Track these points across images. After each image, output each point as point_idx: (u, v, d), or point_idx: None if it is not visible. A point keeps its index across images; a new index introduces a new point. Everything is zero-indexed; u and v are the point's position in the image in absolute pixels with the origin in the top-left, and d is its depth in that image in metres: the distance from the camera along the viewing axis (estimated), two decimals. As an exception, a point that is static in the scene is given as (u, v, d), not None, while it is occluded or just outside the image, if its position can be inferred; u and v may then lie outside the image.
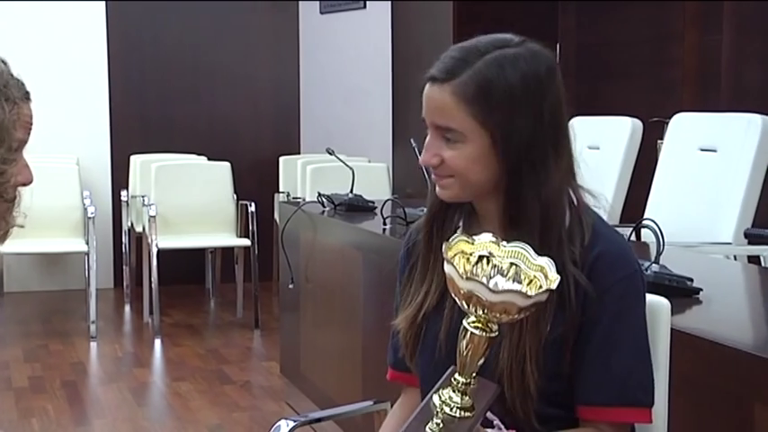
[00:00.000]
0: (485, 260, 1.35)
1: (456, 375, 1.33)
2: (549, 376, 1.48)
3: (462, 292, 1.28)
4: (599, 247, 1.49)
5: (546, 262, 1.34)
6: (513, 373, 1.46)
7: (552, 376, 1.49)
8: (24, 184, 1.51)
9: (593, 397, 1.51)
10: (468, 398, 1.33)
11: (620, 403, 1.50)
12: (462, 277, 1.27)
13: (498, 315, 1.28)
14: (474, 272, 1.33)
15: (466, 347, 1.31)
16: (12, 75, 1.48)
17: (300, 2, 7.46)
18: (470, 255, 1.34)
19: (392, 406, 1.77)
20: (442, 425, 1.31)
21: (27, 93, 1.50)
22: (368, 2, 6.92)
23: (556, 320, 1.47)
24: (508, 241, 1.38)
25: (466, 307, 1.30)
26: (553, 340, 1.48)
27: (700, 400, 1.82)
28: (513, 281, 1.33)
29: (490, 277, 1.33)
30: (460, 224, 1.59)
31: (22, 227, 1.53)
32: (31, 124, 1.50)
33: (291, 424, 1.82)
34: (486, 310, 1.28)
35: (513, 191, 1.49)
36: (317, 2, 7.33)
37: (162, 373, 5.07)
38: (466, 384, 1.33)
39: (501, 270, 1.34)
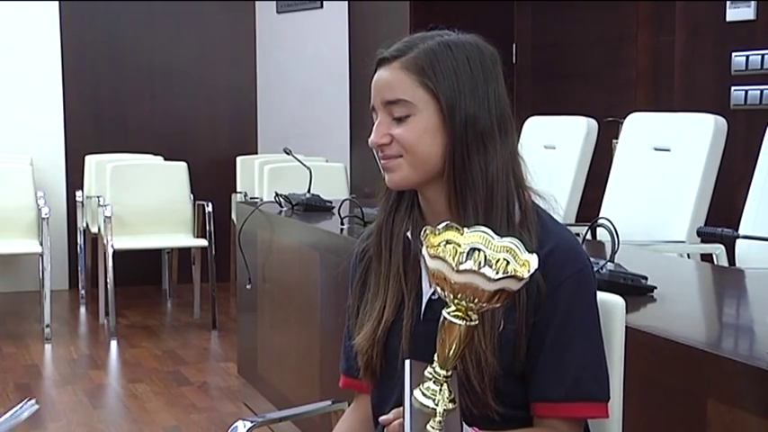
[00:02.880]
0: (475, 251, 1.33)
1: (437, 369, 1.32)
2: (502, 374, 1.48)
3: (455, 285, 1.26)
4: (550, 244, 1.50)
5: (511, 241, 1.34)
6: (470, 370, 1.45)
7: (506, 374, 1.49)
8: None
9: (548, 393, 1.50)
10: (450, 390, 1.33)
11: (574, 398, 1.50)
12: (455, 270, 1.25)
13: (485, 303, 1.27)
14: (466, 264, 1.29)
15: (449, 339, 1.30)
16: None
17: (257, 1, 7.43)
18: (459, 244, 1.33)
19: (349, 405, 1.77)
20: (442, 422, 1.30)
21: None
22: (325, 1, 6.90)
23: (508, 317, 1.47)
24: (459, 223, 1.38)
25: (452, 298, 1.28)
26: (506, 338, 1.48)
27: (654, 396, 1.83)
28: (502, 269, 1.30)
29: (481, 266, 1.30)
30: (409, 232, 1.58)
31: None
32: None
33: (249, 425, 1.80)
34: (476, 300, 1.26)
35: (459, 166, 1.50)
36: (274, 1, 7.30)
37: (118, 374, 5.02)
38: (448, 377, 1.32)
39: (489, 261, 1.32)
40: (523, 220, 1.52)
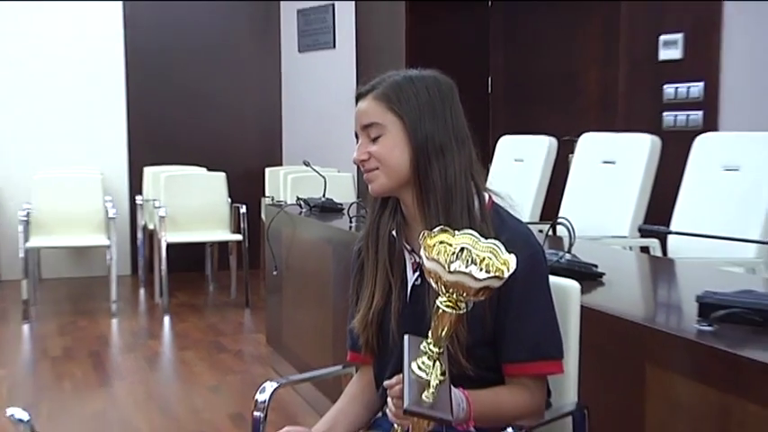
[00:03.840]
0: (463, 251, 1.30)
1: (431, 347, 1.30)
2: (475, 343, 1.49)
3: (448, 282, 1.25)
4: (506, 234, 1.48)
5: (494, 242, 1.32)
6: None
7: (478, 343, 1.50)
8: None
9: (514, 355, 1.51)
10: (442, 363, 1.31)
11: (536, 358, 1.51)
12: (447, 270, 1.23)
13: (472, 297, 1.26)
14: (456, 265, 1.27)
15: (441, 324, 1.28)
16: None
17: (282, 42, 7.43)
18: (451, 244, 1.31)
19: (357, 371, 1.76)
20: (435, 391, 1.28)
21: None
22: (337, 44, 6.90)
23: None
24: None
25: (444, 291, 1.26)
26: (475, 314, 1.47)
27: (604, 362, 1.83)
28: (485, 269, 1.28)
29: (468, 264, 1.28)
30: (394, 231, 1.59)
31: None
32: None
33: (275, 385, 1.80)
34: (465, 294, 1.25)
35: (423, 173, 1.51)
36: (296, 42, 7.30)
37: (170, 344, 5.01)
38: (440, 353, 1.31)
39: (474, 259, 1.30)
40: (483, 215, 1.52)
